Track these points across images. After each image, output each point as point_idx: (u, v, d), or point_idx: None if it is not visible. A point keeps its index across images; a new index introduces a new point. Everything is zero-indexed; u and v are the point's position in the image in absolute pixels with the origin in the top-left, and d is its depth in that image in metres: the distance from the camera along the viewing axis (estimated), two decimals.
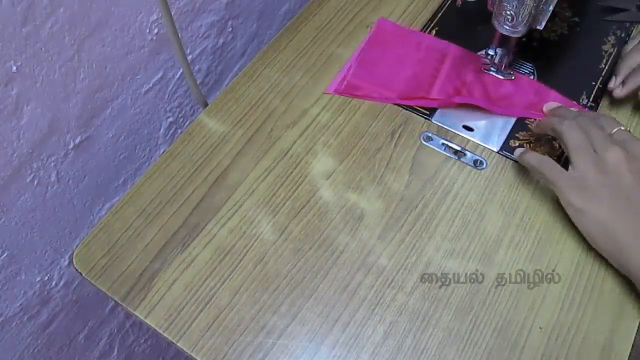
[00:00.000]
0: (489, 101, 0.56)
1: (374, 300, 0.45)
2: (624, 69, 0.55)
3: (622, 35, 0.62)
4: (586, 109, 0.56)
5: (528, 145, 0.54)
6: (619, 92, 0.54)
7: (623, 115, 0.55)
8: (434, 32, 0.62)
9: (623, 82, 0.54)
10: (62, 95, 0.50)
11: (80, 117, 0.53)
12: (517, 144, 0.54)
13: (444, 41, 0.61)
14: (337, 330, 0.44)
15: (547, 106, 0.54)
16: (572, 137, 0.47)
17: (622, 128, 0.47)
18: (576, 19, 0.64)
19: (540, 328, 0.44)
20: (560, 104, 0.54)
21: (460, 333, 0.44)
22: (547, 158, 0.48)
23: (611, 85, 0.55)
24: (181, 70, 0.63)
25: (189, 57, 0.64)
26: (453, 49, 0.60)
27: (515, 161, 0.52)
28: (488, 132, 0.55)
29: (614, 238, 0.43)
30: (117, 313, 0.72)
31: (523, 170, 0.52)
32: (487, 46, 0.57)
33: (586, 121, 0.48)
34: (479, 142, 0.54)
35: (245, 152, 0.53)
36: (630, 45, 0.57)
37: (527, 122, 0.55)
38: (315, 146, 0.53)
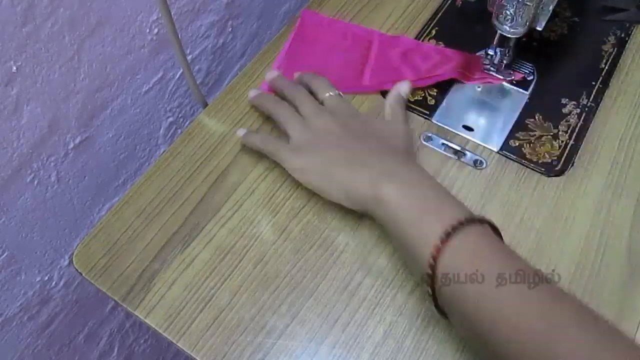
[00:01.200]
0: (418, 77, 0.57)
1: (374, 300, 0.45)
2: None
3: (622, 35, 0.62)
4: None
5: (528, 144, 0.54)
6: None
7: (623, 116, 0.55)
8: (434, 32, 0.62)
9: None
10: (62, 95, 0.50)
11: (80, 117, 0.53)
12: (518, 144, 0.54)
13: (369, 28, 0.62)
14: (337, 330, 0.44)
15: (267, 77, 0.56)
16: (280, 114, 0.52)
17: (332, 93, 0.52)
18: (576, 19, 0.64)
19: None
20: (277, 74, 0.56)
21: None
22: (266, 135, 0.53)
23: None
24: (181, 70, 0.63)
25: (189, 57, 0.64)
26: (377, 35, 0.61)
27: (516, 161, 0.52)
28: (488, 132, 0.55)
29: (333, 180, 0.46)
30: (117, 313, 0.72)
31: (523, 170, 0.52)
32: (487, 46, 0.57)
33: (295, 92, 0.53)
34: (479, 142, 0.54)
35: (245, 152, 0.53)
36: None
37: (526, 122, 0.55)
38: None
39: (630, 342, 0.35)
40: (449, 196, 0.43)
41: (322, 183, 0.47)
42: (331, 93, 0.52)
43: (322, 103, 0.52)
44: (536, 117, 0.55)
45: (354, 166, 0.46)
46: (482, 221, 0.40)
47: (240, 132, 0.53)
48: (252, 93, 0.55)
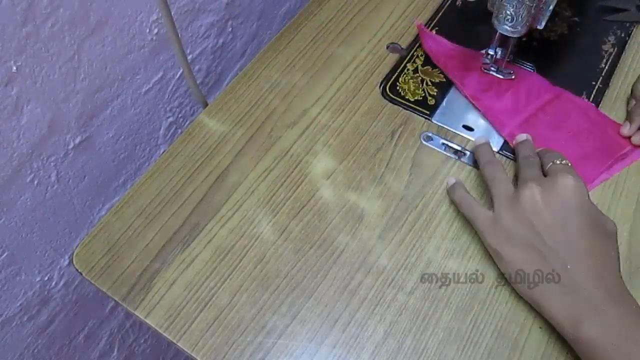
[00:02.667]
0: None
1: (374, 300, 0.45)
2: (638, 116, 0.52)
3: (622, 35, 0.62)
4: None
5: None
6: (638, 139, 0.52)
7: (623, 115, 0.55)
8: (434, 32, 0.62)
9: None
10: (62, 95, 0.50)
11: (80, 117, 0.53)
12: None
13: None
14: (337, 330, 0.44)
15: (518, 139, 0.52)
16: (489, 172, 0.47)
17: (558, 162, 0.45)
18: (576, 18, 0.64)
19: (540, 328, 0.44)
20: (527, 139, 0.51)
21: (460, 333, 0.44)
22: (467, 195, 0.48)
23: (625, 131, 0.53)
24: (181, 70, 0.63)
25: (189, 57, 0.64)
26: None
27: (515, 161, 0.52)
28: (488, 132, 0.55)
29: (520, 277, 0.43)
30: (117, 313, 0.72)
31: None
32: (487, 46, 0.57)
33: (530, 161, 0.47)
34: None
35: (245, 152, 0.53)
36: None
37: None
38: (315, 146, 0.53)
39: None
40: None
41: (507, 269, 0.44)
42: (562, 162, 0.45)
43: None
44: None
45: (549, 278, 0.41)
46: None
47: (450, 181, 0.50)
48: (482, 140, 0.52)
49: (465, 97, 0.57)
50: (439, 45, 0.60)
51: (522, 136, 0.51)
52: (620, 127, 0.54)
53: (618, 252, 0.43)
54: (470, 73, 0.58)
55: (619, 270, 0.42)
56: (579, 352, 0.40)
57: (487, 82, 0.57)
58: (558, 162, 0.45)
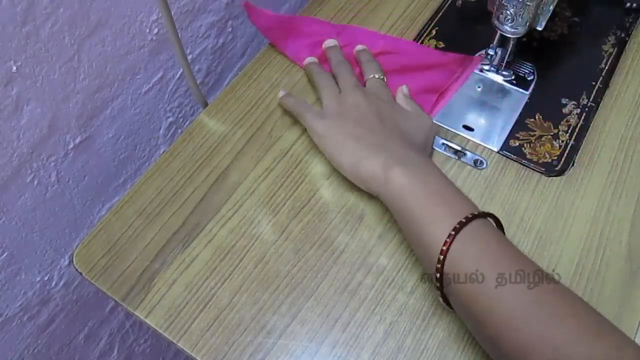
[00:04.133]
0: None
1: (374, 300, 0.45)
2: None
3: (622, 35, 0.62)
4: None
5: (528, 144, 0.54)
6: None
7: (624, 116, 0.55)
8: (434, 32, 0.62)
9: None
10: (62, 95, 0.50)
11: (80, 117, 0.53)
12: (518, 144, 0.54)
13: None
14: (337, 330, 0.44)
15: (325, 44, 0.59)
16: (320, 80, 0.55)
17: (377, 76, 0.54)
18: (576, 19, 0.64)
19: None
20: (335, 44, 0.59)
21: (460, 333, 0.44)
22: (301, 99, 0.55)
23: None
24: (181, 70, 0.63)
25: (189, 57, 0.64)
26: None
27: (516, 161, 0.52)
28: (488, 132, 0.55)
29: (347, 151, 0.48)
30: (117, 313, 0.72)
31: (523, 170, 0.52)
32: (487, 46, 0.57)
33: (342, 67, 0.55)
34: (479, 142, 0.54)
35: (245, 152, 0.53)
36: None
37: (527, 122, 0.55)
38: (315, 146, 0.53)
39: (621, 333, 0.36)
40: (459, 191, 0.43)
41: (335, 151, 0.49)
42: (376, 76, 0.55)
43: (364, 84, 0.55)
44: (536, 117, 0.55)
45: (370, 144, 0.47)
46: (489, 216, 0.41)
47: (281, 93, 0.55)
48: (308, 60, 0.58)
49: (294, 61, 0.59)
50: (265, 19, 0.60)
51: (331, 41, 0.59)
52: (445, 55, 0.59)
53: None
54: (296, 40, 0.60)
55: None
56: (383, 198, 0.45)
57: (312, 44, 0.60)
58: (376, 76, 0.55)
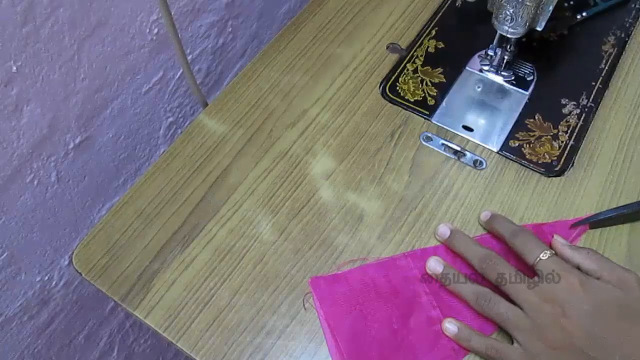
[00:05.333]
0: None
1: None
2: None
3: (622, 35, 0.62)
4: None
5: (528, 145, 0.54)
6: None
7: (623, 116, 0.55)
8: (434, 32, 0.62)
9: None
10: (62, 95, 0.50)
11: (80, 117, 0.53)
12: (517, 144, 0.54)
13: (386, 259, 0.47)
14: None
15: (484, 216, 0.48)
16: (500, 314, 0.42)
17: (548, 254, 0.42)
18: (576, 18, 0.63)
19: None
20: (496, 215, 0.47)
21: None
22: (491, 340, 0.42)
23: None
24: (181, 70, 0.63)
25: (189, 57, 0.64)
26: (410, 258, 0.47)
27: (515, 161, 0.52)
28: (488, 132, 0.55)
29: None
30: (117, 313, 0.72)
31: (523, 170, 0.52)
32: (487, 46, 0.57)
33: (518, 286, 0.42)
34: (478, 142, 0.54)
35: (245, 152, 0.53)
36: None
37: (526, 122, 0.55)
38: (315, 146, 0.53)
39: None
40: None
41: None
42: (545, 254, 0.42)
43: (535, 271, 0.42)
44: (536, 118, 0.55)
45: None
46: None
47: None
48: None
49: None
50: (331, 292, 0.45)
51: (487, 213, 0.48)
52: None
53: None
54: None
55: None
56: None
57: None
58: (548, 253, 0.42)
